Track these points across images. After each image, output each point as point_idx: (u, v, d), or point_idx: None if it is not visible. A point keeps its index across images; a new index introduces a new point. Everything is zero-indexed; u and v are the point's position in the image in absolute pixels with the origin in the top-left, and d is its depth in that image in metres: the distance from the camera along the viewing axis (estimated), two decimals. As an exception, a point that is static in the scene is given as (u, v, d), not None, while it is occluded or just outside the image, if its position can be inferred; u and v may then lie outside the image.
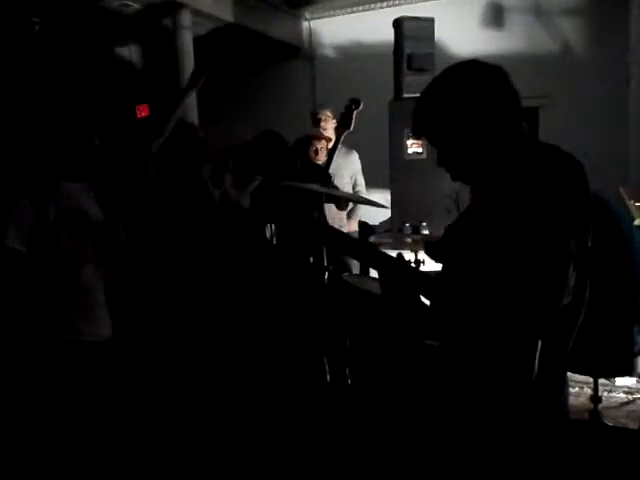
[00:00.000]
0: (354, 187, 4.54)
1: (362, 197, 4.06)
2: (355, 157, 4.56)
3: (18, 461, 2.21)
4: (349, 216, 4.46)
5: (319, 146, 4.13)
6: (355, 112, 3.27)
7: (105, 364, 2.38)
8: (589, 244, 1.35)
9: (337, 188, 3.96)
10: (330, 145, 4.26)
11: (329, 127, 4.36)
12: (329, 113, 4.43)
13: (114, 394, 2.41)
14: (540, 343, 1.27)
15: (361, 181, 4.58)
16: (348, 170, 4.49)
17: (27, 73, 4.70)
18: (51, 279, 2.25)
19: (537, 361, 1.28)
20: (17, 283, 2.18)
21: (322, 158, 4.15)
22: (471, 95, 1.36)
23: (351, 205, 4.44)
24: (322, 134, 4.29)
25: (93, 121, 2.40)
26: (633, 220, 3.09)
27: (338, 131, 3.39)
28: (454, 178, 1.46)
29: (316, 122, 4.44)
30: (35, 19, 5.17)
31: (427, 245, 3.10)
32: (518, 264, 1.22)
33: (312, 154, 4.08)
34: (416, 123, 1.46)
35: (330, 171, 3.47)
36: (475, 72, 1.39)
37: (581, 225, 1.30)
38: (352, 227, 4.45)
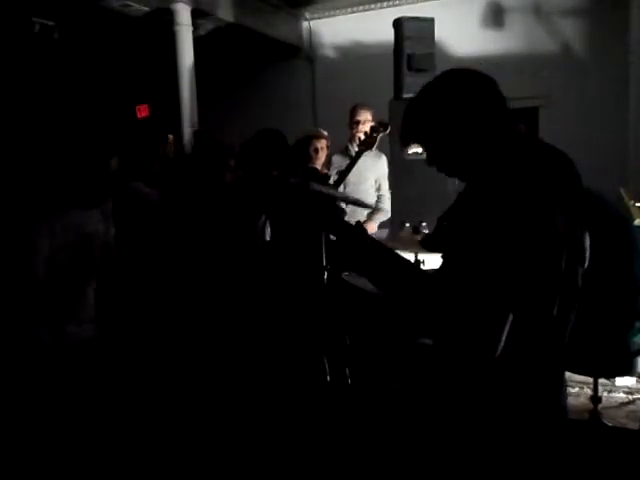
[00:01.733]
0: (377, 191, 4.40)
1: (351, 196, 4.02)
2: (383, 161, 4.43)
3: (10, 462, 2.21)
4: (369, 217, 4.36)
5: (319, 145, 4.05)
6: (381, 135, 3.28)
7: (92, 362, 2.39)
8: (585, 239, 1.37)
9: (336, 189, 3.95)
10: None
11: (366, 130, 4.04)
12: (370, 116, 4.25)
13: (107, 393, 2.42)
14: (531, 337, 1.29)
15: (385, 187, 4.44)
16: (374, 173, 4.37)
17: (36, 82, 4.70)
18: (55, 293, 2.27)
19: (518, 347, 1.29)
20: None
21: (322, 158, 4.10)
22: (458, 100, 1.40)
23: (372, 207, 4.40)
24: (322, 133, 4.21)
25: (109, 144, 2.36)
26: (633, 220, 3.10)
27: (359, 149, 3.38)
28: (448, 175, 1.50)
29: (354, 124, 4.27)
30: (36, 19, 5.17)
31: (423, 239, 3.11)
32: (508, 256, 1.24)
33: (312, 153, 4.02)
34: (406, 128, 1.51)
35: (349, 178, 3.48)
36: (461, 79, 1.44)
37: (573, 218, 1.32)
38: (371, 229, 4.37)
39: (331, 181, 3.88)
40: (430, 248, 2.88)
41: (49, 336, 2.27)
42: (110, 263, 2.50)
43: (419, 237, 3.41)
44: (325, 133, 4.23)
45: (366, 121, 4.26)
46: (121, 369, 2.60)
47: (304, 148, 4.01)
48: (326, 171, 4.21)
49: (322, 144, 4.05)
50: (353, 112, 4.36)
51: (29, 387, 2.23)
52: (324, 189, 2.84)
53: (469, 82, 1.42)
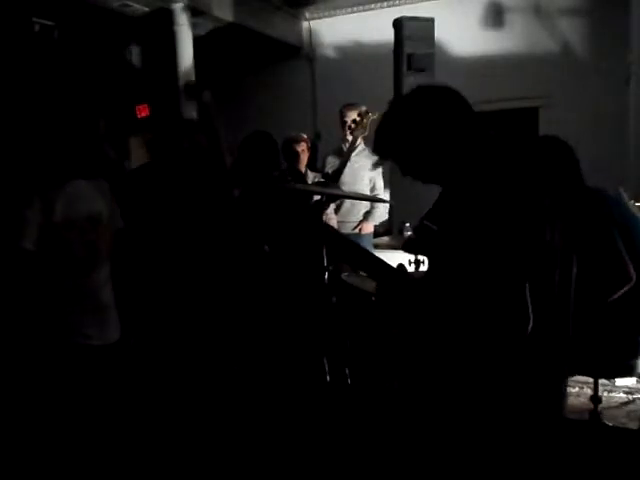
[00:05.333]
0: (372, 190, 4.44)
1: (360, 194, 4.07)
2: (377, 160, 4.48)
3: (26, 464, 2.20)
4: (365, 218, 4.41)
5: (299, 149, 4.13)
6: (371, 118, 3.41)
7: (113, 367, 2.35)
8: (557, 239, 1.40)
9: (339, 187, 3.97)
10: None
11: (354, 118, 4.02)
12: (357, 115, 4.31)
13: (121, 397, 2.39)
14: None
15: (380, 185, 4.49)
16: (368, 172, 4.42)
17: (30, 73, 4.71)
18: (60, 282, 2.22)
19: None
20: (29, 282, 2.17)
21: (304, 161, 4.19)
22: (422, 112, 1.47)
23: (368, 207, 4.42)
24: (301, 136, 4.27)
25: (95, 111, 2.34)
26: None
27: (354, 135, 3.52)
28: (424, 182, 1.57)
29: (343, 124, 4.29)
30: (35, 19, 5.17)
31: (406, 242, 3.13)
32: (500, 245, 1.27)
33: (292, 156, 4.10)
34: (378, 146, 1.59)
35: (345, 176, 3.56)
36: (424, 94, 1.51)
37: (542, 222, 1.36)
38: (367, 229, 4.41)
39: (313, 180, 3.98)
40: (413, 251, 2.88)
41: (69, 336, 2.23)
42: (119, 254, 2.46)
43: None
44: (304, 136, 4.28)
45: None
46: (132, 372, 2.59)
47: (285, 152, 4.08)
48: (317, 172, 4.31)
49: (302, 147, 4.15)
50: (341, 113, 4.40)
51: (45, 387, 2.21)
52: (325, 188, 2.86)
53: (431, 95, 1.49)
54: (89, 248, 2.27)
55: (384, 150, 1.58)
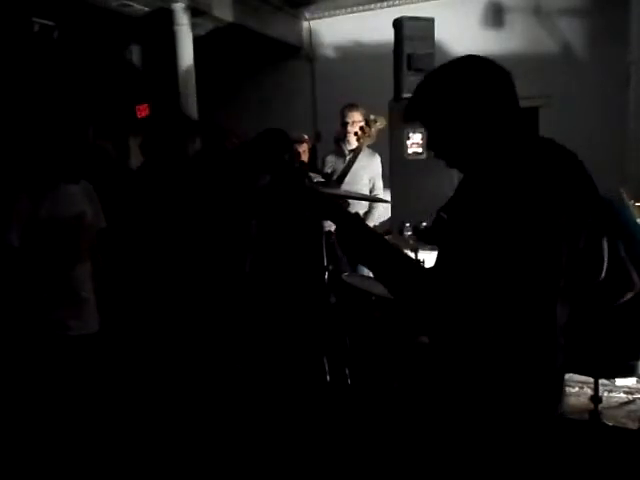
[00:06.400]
0: (371, 191, 4.46)
1: (360, 194, 4.08)
2: (377, 160, 4.51)
3: (5, 456, 2.22)
4: (364, 218, 4.43)
5: (301, 149, 4.16)
6: (378, 127, 3.43)
7: (93, 358, 2.42)
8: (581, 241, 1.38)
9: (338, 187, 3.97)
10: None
11: (361, 126, 4.06)
12: (359, 116, 4.30)
13: (102, 388, 2.44)
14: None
15: (379, 185, 4.51)
16: (368, 172, 4.43)
17: (26, 73, 4.73)
18: (44, 276, 2.30)
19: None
20: (13, 275, 2.25)
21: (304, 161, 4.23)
22: (469, 85, 1.37)
23: (367, 207, 4.43)
24: (303, 137, 4.30)
25: (85, 115, 2.44)
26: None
27: (359, 144, 3.52)
28: (448, 165, 1.47)
29: (343, 125, 4.35)
30: (35, 19, 5.17)
31: (418, 230, 3.11)
32: (509, 256, 1.21)
33: (295, 157, 4.14)
34: (413, 104, 1.47)
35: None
36: (475, 66, 1.40)
37: (574, 217, 1.32)
38: None
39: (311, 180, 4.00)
40: (428, 241, 2.89)
41: (47, 326, 2.30)
42: (100, 252, 2.55)
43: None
44: (306, 137, 4.31)
45: (355, 122, 4.33)
46: (121, 366, 2.62)
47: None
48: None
49: (303, 148, 4.19)
50: (342, 113, 4.43)
51: (25, 377, 2.25)
52: (327, 189, 2.85)
53: (486, 71, 1.39)
54: (72, 245, 2.37)
55: (419, 111, 1.45)
